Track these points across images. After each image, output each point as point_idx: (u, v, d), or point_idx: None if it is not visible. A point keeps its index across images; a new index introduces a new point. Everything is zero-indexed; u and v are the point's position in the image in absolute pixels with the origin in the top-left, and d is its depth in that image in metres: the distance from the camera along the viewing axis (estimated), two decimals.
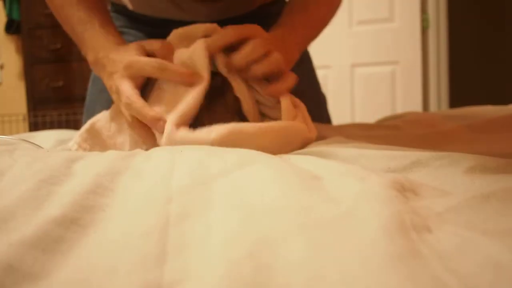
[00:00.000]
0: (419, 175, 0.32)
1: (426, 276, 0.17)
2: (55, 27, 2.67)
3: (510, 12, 2.81)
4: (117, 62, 0.52)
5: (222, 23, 0.56)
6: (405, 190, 0.26)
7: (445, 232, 0.21)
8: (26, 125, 2.76)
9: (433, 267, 0.18)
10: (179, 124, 0.45)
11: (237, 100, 0.51)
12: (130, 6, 0.79)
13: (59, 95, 2.68)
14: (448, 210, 0.24)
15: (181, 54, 0.50)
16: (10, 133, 2.73)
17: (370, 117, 1.57)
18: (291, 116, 0.48)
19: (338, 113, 2.16)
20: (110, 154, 0.36)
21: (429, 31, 2.50)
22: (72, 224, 0.23)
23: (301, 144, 0.47)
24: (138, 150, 0.39)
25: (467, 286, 0.17)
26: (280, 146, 0.44)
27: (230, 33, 0.50)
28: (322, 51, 2.48)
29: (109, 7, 0.86)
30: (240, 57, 0.49)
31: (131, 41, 0.79)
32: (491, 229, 0.21)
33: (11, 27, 2.88)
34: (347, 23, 2.54)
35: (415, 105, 2.45)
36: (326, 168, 0.31)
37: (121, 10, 0.83)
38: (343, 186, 0.27)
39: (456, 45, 2.62)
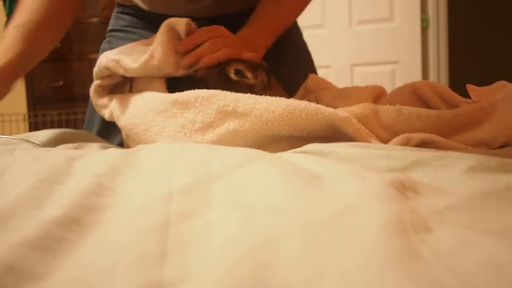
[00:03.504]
0: (419, 175, 0.32)
1: (425, 276, 0.17)
2: None
3: (510, 12, 2.81)
4: None
5: (221, 18, 0.62)
6: (405, 189, 0.26)
7: (445, 231, 0.21)
8: (26, 124, 2.75)
9: (432, 266, 0.18)
10: None
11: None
12: (141, 4, 0.80)
13: (59, 94, 2.68)
14: (448, 209, 0.24)
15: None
16: (10, 133, 2.72)
17: None
18: None
19: None
20: (111, 152, 0.36)
21: (429, 31, 2.50)
22: (73, 225, 0.23)
23: None
24: (140, 147, 0.39)
25: (466, 286, 0.17)
26: (276, 119, 0.45)
27: (203, 35, 0.61)
28: (322, 51, 2.48)
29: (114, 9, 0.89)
30: (191, 56, 0.60)
31: (136, 40, 0.81)
32: (491, 228, 0.21)
33: None
34: (347, 23, 2.53)
35: None
36: (327, 167, 0.31)
37: (127, 11, 0.85)
38: (343, 185, 0.27)
39: (456, 45, 2.62)
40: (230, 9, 0.78)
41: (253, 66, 0.61)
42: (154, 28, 0.82)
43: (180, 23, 0.61)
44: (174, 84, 0.62)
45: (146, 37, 0.80)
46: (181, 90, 0.53)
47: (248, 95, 0.46)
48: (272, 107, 0.43)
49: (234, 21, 0.66)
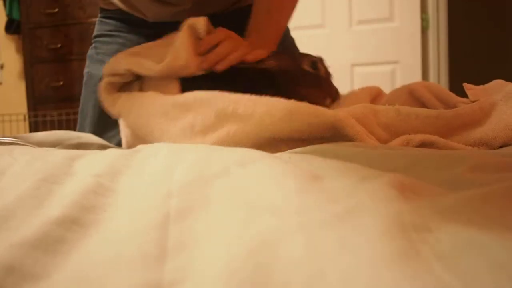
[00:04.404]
0: (419, 175, 0.32)
1: (425, 276, 0.17)
2: (55, 27, 2.66)
3: (510, 12, 2.81)
4: None
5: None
6: (405, 189, 0.26)
7: (445, 231, 0.21)
8: (26, 125, 2.75)
9: (433, 267, 0.18)
10: None
11: None
12: (121, 5, 0.81)
13: (59, 94, 2.68)
14: (448, 210, 0.23)
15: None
16: (10, 133, 2.73)
17: None
18: None
19: None
20: (111, 152, 0.36)
21: (429, 31, 2.50)
22: (73, 225, 0.23)
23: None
24: (140, 147, 0.39)
25: (467, 286, 0.17)
26: (276, 121, 0.45)
27: (220, 35, 0.63)
28: (322, 51, 2.48)
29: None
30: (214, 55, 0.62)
31: (120, 43, 0.82)
32: (491, 227, 0.21)
33: (11, 27, 2.88)
34: (347, 23, 2.53)
35: None
36: (327, 167, 0.31)
37: (111, 15, 0.87)
38: (343, 185, 0.27)
39: (456, 45, 2.62)
40: (210, 10, 0.79)
41: (320, 60, 0.65)
42: (138, 31, 0.83)
43: (200, 23, 0.62)
44: (190, 82, 0.62)
45: (131, 40, 0.82)
46: (198, 88, 0.53)
47: (248, 96, 0.46)
48: (273, 110, 0.43)
49: (215, 22, 0.67)
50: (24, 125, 2.79)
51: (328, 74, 0.65)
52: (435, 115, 0.46)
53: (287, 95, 0.47)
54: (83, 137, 0.72)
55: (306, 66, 0.63)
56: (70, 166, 0.31)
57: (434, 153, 0.34)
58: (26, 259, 0.20)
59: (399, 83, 2.48)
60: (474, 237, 0.20)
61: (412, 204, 0.24)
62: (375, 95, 0.70)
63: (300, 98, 0.48)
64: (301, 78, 0.57)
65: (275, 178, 0.28)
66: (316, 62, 0.64)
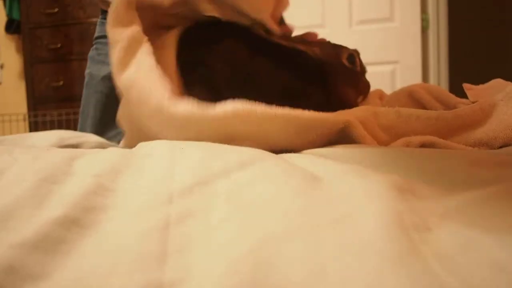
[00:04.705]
0: (419, 175, 0.32)
1: (425, 276, 0.17)
2: (55, 27, 2.66)
3: (510, 12, 2.81)
4: None
5: None
6: (405, 189, 0.26)
7: (445, 231, 0.21)
8: (26, 124, 2.75)
9: (433, 267, 0.18)
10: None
11: None
12: None
13: (59, 94, 2.68)
14: (448, 209, 0.23)
15: None
16: (10, 133, 2.73)
17: None
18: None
19: None
20: (111, 151, 0.36)
21: (429, 31, 2.50)
22: (73, 225, 0.23)
23: (324, 137, 0.44)
24: (139, 146, 0.39)
25: (467, 286, 0.17)
26: (291, 137, 0.43)
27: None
28: None
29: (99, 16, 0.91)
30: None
31: None
32: (491, 228, 0.21)
33: (11, 27, 2.88)
34: (347, 23, 2.53)
35: None
36: (327, 168, 0.31)
37: None
38: (343, 186, 0.27)
39: (456, 45, 2.61)
40: None
41: (357, 53, 0.63)
42: None
43: None
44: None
45: None
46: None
47: (257, 114, 0.42)
48: (285, 130, 0.42)
49: None
50: (24, 125, 2.79)
51: (363, 69, 0.64)
52: (435, 116, 0.46)
53: (327, 91, 0.47)
54: (84, 137, 0.72)
55: (345, 60, 0.61)
56: (70, 166, 0.31)
57: (434, 153, 0.34)
58: (26, 259, 0.20)
59: (399, 83, 2.48)
60: (474, 237, 0.20)
61: (412, 204, 0.25)
62: (379, 97, 0.70)
63: (336, 96, 0.47)
64: (342, 75, 0.54)
65: (275, 179, 0.28)
66: (354, 56, 0.61)
